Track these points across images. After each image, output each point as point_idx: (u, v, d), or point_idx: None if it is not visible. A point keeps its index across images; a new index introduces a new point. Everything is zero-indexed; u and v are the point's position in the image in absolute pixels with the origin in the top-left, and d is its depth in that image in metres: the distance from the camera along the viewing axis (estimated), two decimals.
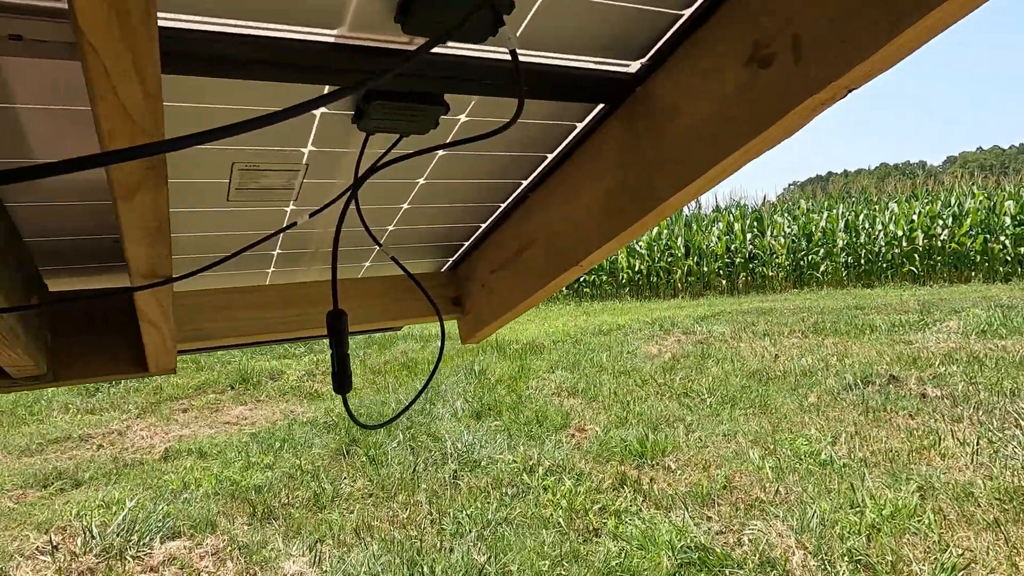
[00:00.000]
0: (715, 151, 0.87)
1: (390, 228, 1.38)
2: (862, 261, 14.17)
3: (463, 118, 1.01)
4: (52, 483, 4.56)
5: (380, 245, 0.96)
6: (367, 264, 1.53)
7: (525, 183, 1.27)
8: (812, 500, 3.20)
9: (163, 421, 6.14)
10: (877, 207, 15.40)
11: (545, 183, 1.21)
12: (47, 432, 5.83)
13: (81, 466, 4.85)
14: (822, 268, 14.44)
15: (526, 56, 0.89)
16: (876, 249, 14.00)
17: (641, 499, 3.54)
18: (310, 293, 1.46)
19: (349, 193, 1.00)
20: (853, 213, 15.00)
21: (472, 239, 1.52)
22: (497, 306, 1.42)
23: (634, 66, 0.96)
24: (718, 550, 2.80)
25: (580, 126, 1.10)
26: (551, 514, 3.42)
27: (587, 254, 1.10)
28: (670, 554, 2.81)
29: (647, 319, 10.09)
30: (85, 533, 3.53)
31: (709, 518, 3.20)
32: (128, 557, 3.34)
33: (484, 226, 1.46)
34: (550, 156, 1.19)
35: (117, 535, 3.52)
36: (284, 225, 0.91)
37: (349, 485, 4.21)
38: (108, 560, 3.28)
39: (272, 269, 1.51)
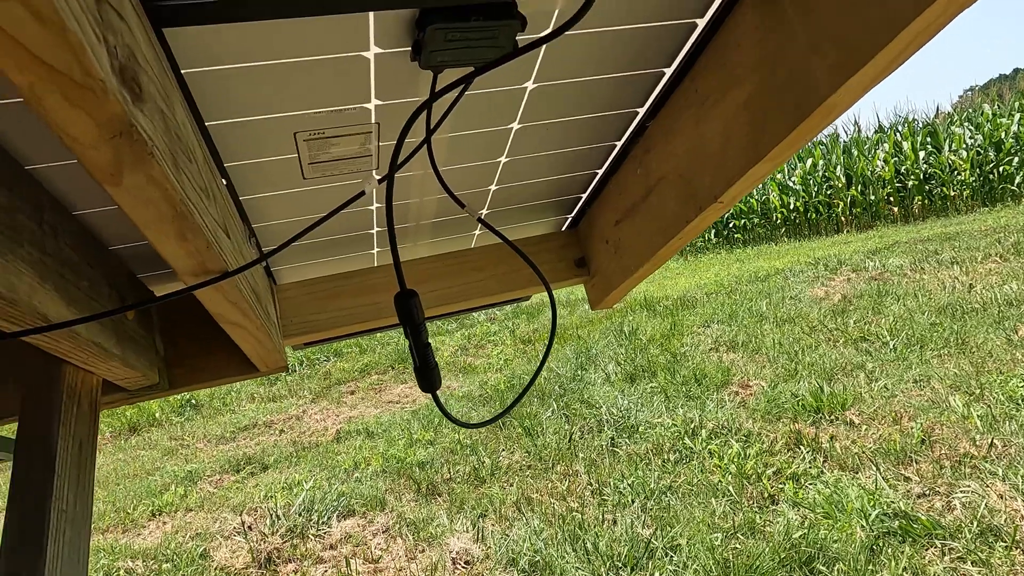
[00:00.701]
0: (893, 15, 0.61)
1: (492, 188, 1.22)
2: None
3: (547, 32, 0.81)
4: (243, 468, 4.97)
5: (463, 205, 0.80)
6: (477, 232, 1.38)
7: (642, 111, 1.05)
8: None
9: (334, 404, 6.52)
10: None
11: (666, 106, 0.98)
12: (238, 421, 6.40)
13: (267, 451, 5.25)
14: (1017, 180, 12.51)
15: None
16: None
17: (822, 460, 3.17)
18: (419, 270, 1.34)
19: (421, 149, 0.84)
20: None
21: (589, 189, 1.32)
22: (626, 263, 1.21)
23: None
24: (923, 517, 2.42)
25: (701, 23, 0.86)
26: (719, 480, 3.17)
27: (728, 185, 0.87)
28: (863, 523, 2.47)
29: (808, 259, 9.26)
30: (271, 514, 3.78)
31: (907, 479, 2.78)
32: (309, 535, 3.53)
33: (601, 172, 1.25)
34: (668, 71, 0.96)
35: (299, 515, 3.74)
36: (354, 195, 0.78)
37: (507, 458, 4.19)
38: (292, 539, 3.49)
39: (377, 249, 1.40)
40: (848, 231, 13.54)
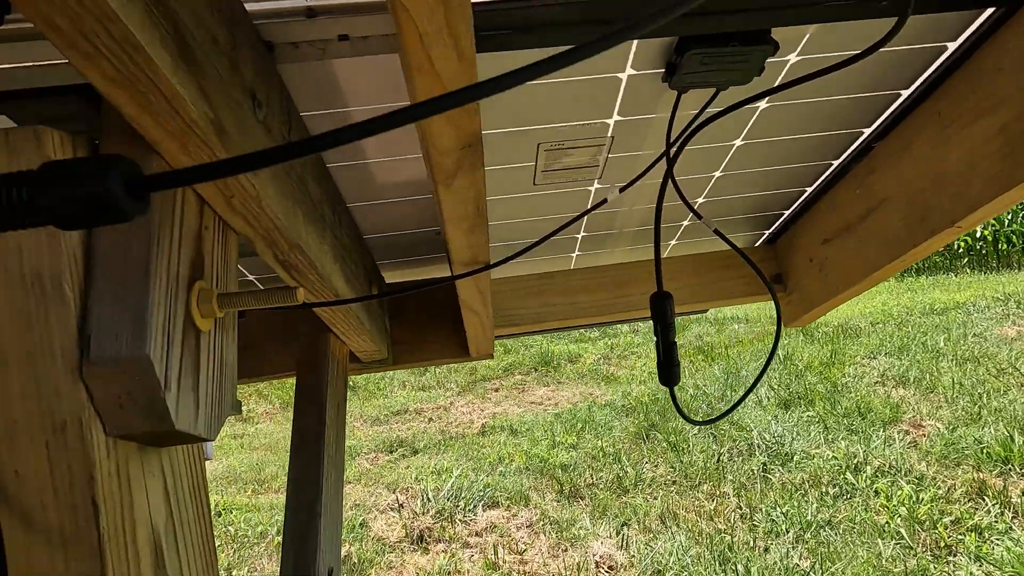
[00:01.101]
0: None
1: (700, 200, 1.25)
2: None
3: (793, 58, 0.84)
4: (396, 449, 5.31)
5: (700, 217, 0.85)
6: (673, 242, 1.42)
7: (868, 131, 1.04)
8: None
9: (479, 399, 6.77)
10: None
11: (898, 128, 0.98)
12: (390, 405, 6.83)
13: (417, 436, 5.56)
14: None
15: None
16: None
17: (1011, 515, 2.88)
18: (618, 276, 1.40)
19: (659, 163, 0.90)
20: None
21: (794, 206, 1.32)
22: (832, 282, 1.20)
23: None
24: None
25: (952, 46, 0.85)
26: (886, 522, 2.96)
27: (968, 211, 0.85)
28: None
29: (996, 295, 8.32)
30: (422, 496, 4.01)
31: None
32: (457, 520, 3.72)
33: (810, 190, 1.25)
34: (905, 93, 0.95)
35: (447, 500, 3.94)
36: (593, 204, 0.85)
37: (651, 470, 4.16)
38: (441, 522, 3.68)
39: (576, 253, 1.48)
40: (1018, 268, 12.00)
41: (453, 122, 0.51)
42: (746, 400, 5.36)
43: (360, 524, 3.76)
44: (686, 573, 2.79)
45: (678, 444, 4.49)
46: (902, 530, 2.87)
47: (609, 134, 0.97)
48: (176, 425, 0.49)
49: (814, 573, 2.60)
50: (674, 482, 3.93)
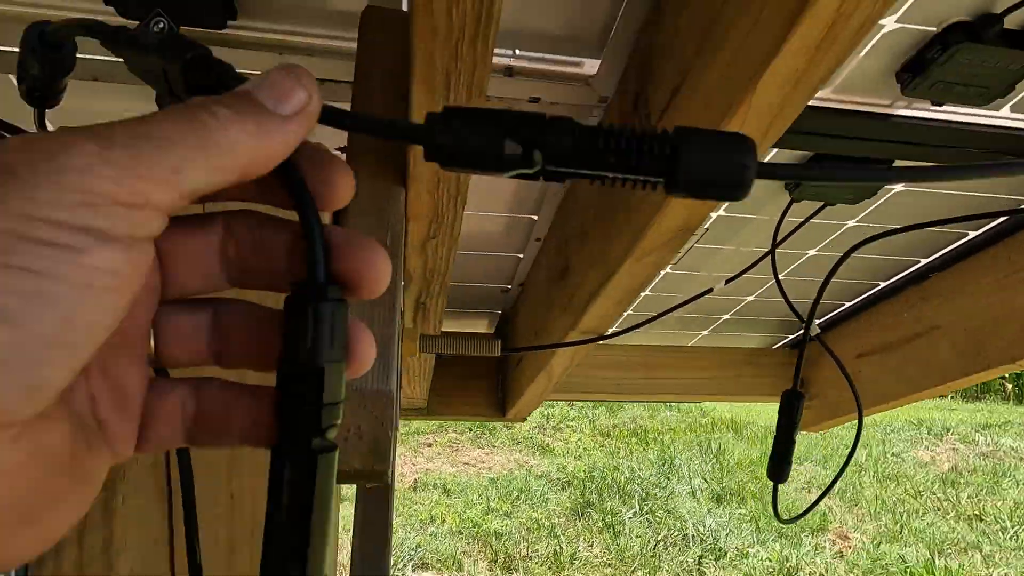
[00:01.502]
0: None
1: (748, 299, 1.31)
2: None
3: (899, 187, 0.91)
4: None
5: (802, 320, 0.88)
6: (705, 333, 1.47)
7: (925, 260, 1.12)
8: None
9: (411, 452, 6.60)
10: None
11: (961, 264, 1.06)
12: None
13: (347, 485, 5.34)
14: None
15: (1001, 120, 0.77)
16: None
17: None
18: (650, 358, 1.42)
19: (761, 260, 0.95)
20: None
21: (827, 317, 1.39)
22: (862, 395, 1.26)
23: None
24: None
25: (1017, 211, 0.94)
26: None
27: None
28: None
29: (909, 418, 8.81)
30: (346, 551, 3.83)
31: None
32: None
33: (848, 304, 1.32)
34: (973, 234, 1.03)
35: None
36: (697, 294, 0.88)
37: (586, 550, 4.12)
38: None
39: (614, 329, 1.51)
40: (952, 397, 12.81)
41: (692, 207, 0.53)
42: (679, 491, 5.39)
43: None
44: None
45: (614, 525, 4.48)
46: None
47: (706, 226, 1.01)
48: (390, 467, 0.47)
49: None
50: (609, 564, 3.90)
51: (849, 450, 0.84)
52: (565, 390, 1.33)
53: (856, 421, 1.29)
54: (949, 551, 4.03)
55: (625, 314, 1.32)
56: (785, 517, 0.83)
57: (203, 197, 0.23)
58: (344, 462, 0.47)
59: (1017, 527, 4.41)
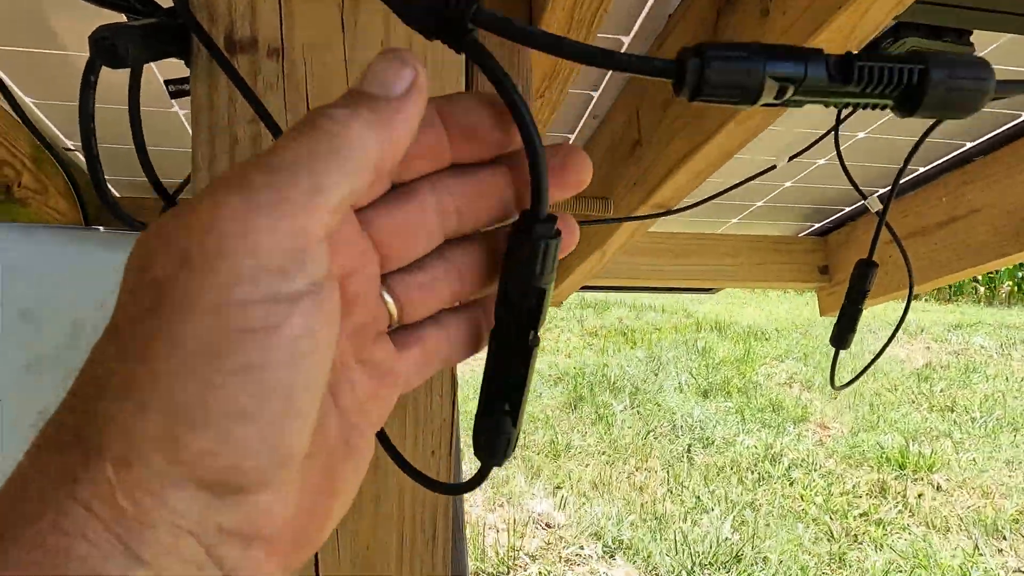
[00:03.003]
0: None
1: (787, 184, 1.31)
2: None
3: None
4: None
5: (865, 197, 0.89)
6: (734, 220, 1.49)
7: (970, 144, 1.13)
8: None
9: None
10: None
11: (1007, 147, 1.07)
12: None
13: None
14: None
15: None
16: None
17: (908, 514, 3.21)
18: (678, 245, 1.44)
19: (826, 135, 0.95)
20: None
21: (857, 204, 1.41)
22: (892, 279, 1.30)
23: None
24: None
25: None
26: (804, 509, 3.23)
27: None
28: None
29: (887, 320, 9.11)
30: None
31: (1001, 551, 2.81)
32: None
33: (882, 190, 1.33)
34: (1023, 115, 1.04)
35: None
36: (761, 170, 0.88)
37: (581, 440, 4.31)
38: None
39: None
40: (926, 299, 13.20)
41: None
42: (667, 386, 5.59)
43: None
44: (623, 537, 2.93)
45: (606, 417, 4.67)
46: (816, 517, 3.14)
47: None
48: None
49: (743, 547, 2.81)
50: (603, 452, 4.09)
51: (897, 324, 0.87)
52: (601, 275, 1.35)
53: (904, 296, 1.33)
54: (922, 438, 4.28)
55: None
56: (836, 384, 0.87)
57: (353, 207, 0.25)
58: None
59: (985, 416, 4.67)
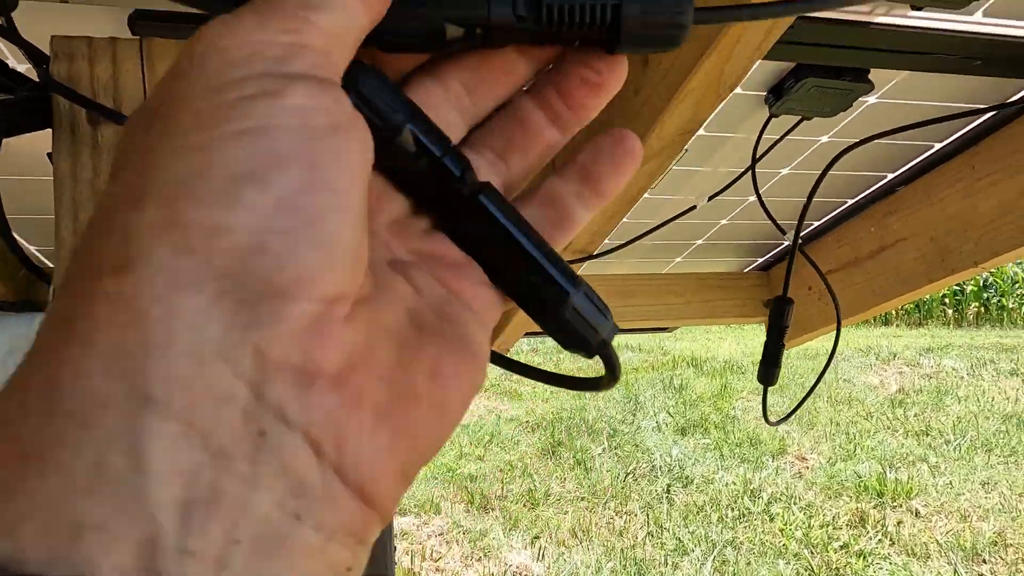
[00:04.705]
0: None
1: (723, 222, 1.33)
2: None
3: (871, 99, 0.94)
4: None
5: (784, 232, 0.91)
6: (679, 259, 1.50)
7: (892, 175, 1.16)
8: None
9: None
10: None
11: (927, 176, 1.10)
12: None
13: None
14: None
15: (974, 25, 0.79)
16: None
17: (888, 543, 3.18)
18: (624, 287, 1.45)
19: (742, 177, 0.96)
20: None
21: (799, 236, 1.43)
22: (830, 311, 1.31)
23: None
24: None
25: (990, 110, 0.97)
26: (784, 545, 3.19)
27: (993, 255, 0.98)
28: None
29: (858, 346, 9.20)
30: None
31: (981, 575, 2.79)
32: None
33: (816, 224, 1.36)
34: (937, 145, 1.07)
35: None
36: (685, 209, 0.90)
37: (559, 486, 4.25)
38: None
39: (589, 260, 1.53)
40: (898, 325, 13.41)
41: (698, 107, 0.53)
42: (645, 425, 5.56)
43: None
44: None
45: (584, 461, 4.61)
46: (797, 552, 3.10)
47: (686, 147, 1.02)
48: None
49: None
50: (583, 498, 4.03)
51: (827, 360, 0.88)
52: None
53: (830, 333, 1.35)
54: (899, 464, 4.29)
55: (604, 242, 1.33)
56: (771, 420, 0.87)
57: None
58: None
59: (959, 439, 4.70)
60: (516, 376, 6.06)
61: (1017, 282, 13.01)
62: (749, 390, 6.62)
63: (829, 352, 0.88)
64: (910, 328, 13.24)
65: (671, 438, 5.06)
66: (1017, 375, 6.82)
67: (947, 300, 13.49)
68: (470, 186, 0.24)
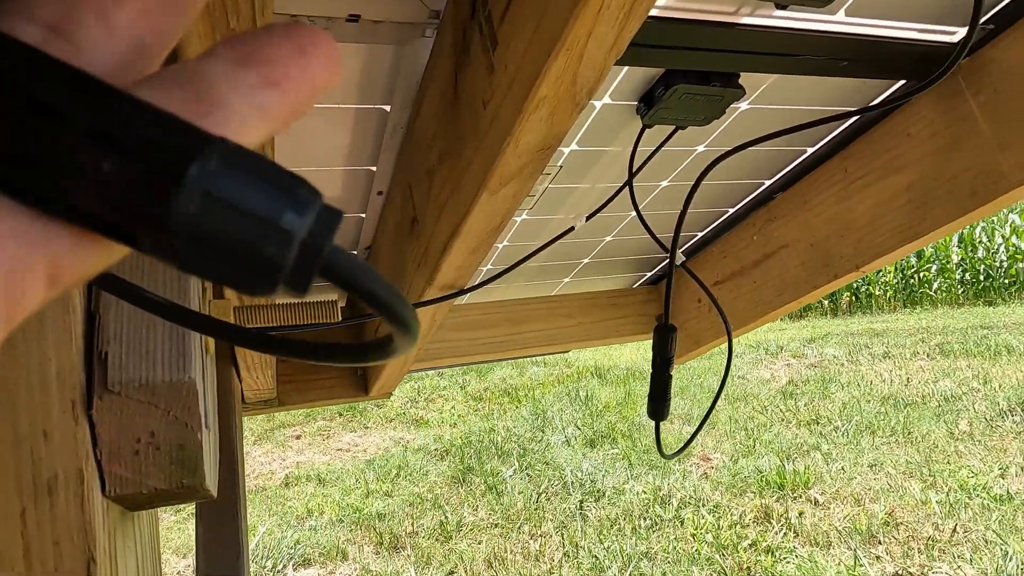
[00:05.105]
0: None
1: (608, 239, 1.28)
2: (981, 277, 13.17)
3: (743, 106, 0.90)
4: (183, 508, 4.68)
5: (666, 249, 0.85)
6: (566, 280, 1.44)
7: (768, 182, 1.14)
8: (1001, 540, 2.86)
9: (279, 448, 6.26)
10: (996, 220, 14.35)
11: (803, 181, 1.08)
12: None
13: None
14: (935, 286, 13.51)
15: (837, 25, 0.77)
16: (997, 264, 12.99)
17: (793, 535, 3.27)
18: (514, 312, 1.37)
19: (618, 195, 0.90)
20: (968, 227, 14.03)
21: (683, 249, 1.40)
22: (720, 322, 1.28)
23: (959, 33, 0.82)
24: None
25: (856, 113, 0.96)
26: (696, 550, 3.21)
27: (873, 258, 0.96)
28: None
29: (748, 342, 9.66)
30: None
31: (878, 557, 2.90)
32: None
33: (700, 235, 1.33)
34: (810, 150, 1.06)
35: (253, 561, 3.54)
36: (563, 231, 0.82)
37: (472, 515, 4.12)
38: None
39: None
40: (782, 320, 14.23)
41: (554, 119, 0.45)
42: (554, 441, 5.53)
43: None
44: None
45: (496, 486, 4.51)
46: (709, 556, 3.13)
47: (559, 164, 0.95)
48: (205, 477, 0.36)
49: None
50: (496, 524, 3.92)
51: (722, 377, 0.82)
52: (429, 358, 1.24)
53: (723, 345, 1.32)
54: (795, 455, 4.45)
55: (484, 268, 1.24)
56: (666, 452, 0.80)
57: None
58: (138, 482, 0.35)
59: (846, 424, 4.96)
60: (421, 403, 5.89)
61: (881, 271, 14.14)
62: None
63: (725, 367, 0.82)
64: (793, 321, 14.07)
65: (580, 452, 5.05)
66: (889, 357, 7.34)
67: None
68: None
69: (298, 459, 5.81)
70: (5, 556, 0.32)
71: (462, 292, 0.74)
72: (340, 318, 0.47)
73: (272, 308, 0.50)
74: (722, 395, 6.42)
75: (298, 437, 6.57)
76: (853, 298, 14.27)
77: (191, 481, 0.36)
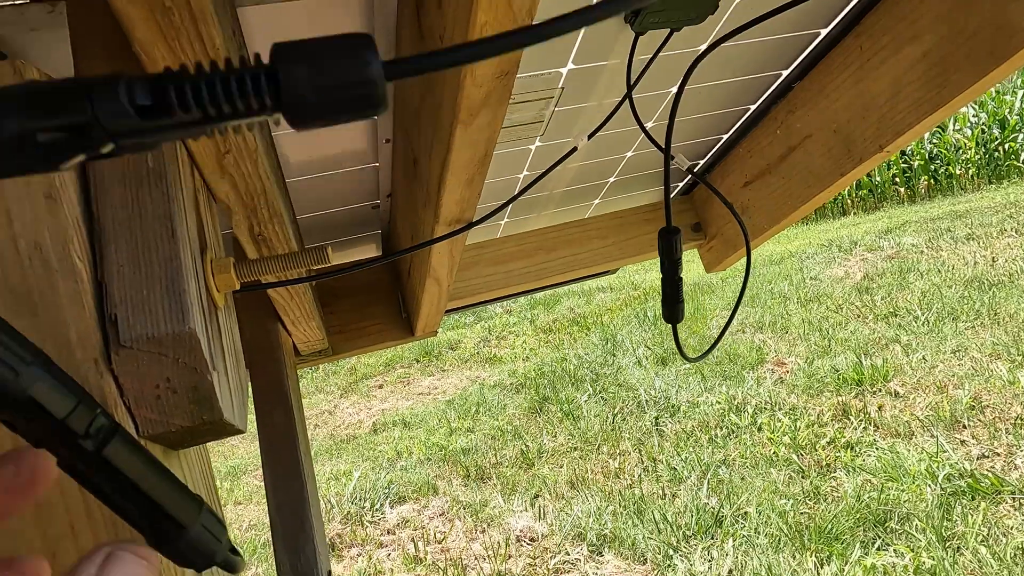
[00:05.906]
0: None
1: (628, 154, 1.27)
2: None
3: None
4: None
5: (672, 157, 0.85)
6: (596, 201, 1.44)
7: (786, 72, 1.10)
8: None
9: (364, 398, 6.58)
10: None
11: (818, 67, 1.04)
12: None
13: None
14: (1023, 156, 12.56)
15: None
16: None
17: (873, 429, 3.24)
18: (546, 240, 1.39)
19: (619, 109, 0.90)
20: None
21: (709, 155, 1.37)
22: (757, 222, 1.27)
23: None
24: (989, 475, 2.49)
25: None
26: (774, 452, 3.23)
27: (896, 136, 0.93)
28: (931, 483, 2.54)
29: (820, 242, 9.33)
30: (325, 502, 3.84)
31: (963, 442, 2.85)
32: (366, 522, 3.59)
33: (726, 136, 1.30)
34: (823, 32, 1.01)
35: (352, 503, 3.80)
36: (565, 154, 0.83)
37: (551, 441, 4.25)
38: (351, 525, 3.55)
39: (505, 220, 1.46)
40: (855, 213, 13.61)
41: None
42: (626, 364, 5.58)
43: (262, 544, 3.53)
44: (606, 531, 2.88)
45: (572, 412, 4.62)
46: (788, 458, 3.15)
47: (560, 85, 0.95)
48: (223, 413, 0.41)
49: (722, 508, 2.78)
50: (575, 448, 4.04)
51: (742, 283, 0.83)
52: (467, 294, 1.29)
53: (766, 241, 1.31)
54: (873, 350, 4.36)
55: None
56: (692, 356, 0.83)
57: None
58: (168, 422, 0.40)
59: (926, 312, 4.78)
60: (493, 341, 6.02)
61: (960, 148, 13.24)
62: (720, 306, 6.67)
63: (745, 269, 0.83)
64: (867, 214, 13.45)
65: (653, 371, 5.09)
66: (973, 239, 6.96)
67: (897, 179, 13.71)
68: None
69: (383, 407, 6.10)
70: (71, 509, 0.38)
71: (471, 225, 0.77)
72: (330, 261, 0.51)
73: (270, 259, 0.54)
74: (795, 299, 6.28)
75: (380, 386, 6.88)
76: (932, 181, 13.46)
77: (210, 417, 0.41)
